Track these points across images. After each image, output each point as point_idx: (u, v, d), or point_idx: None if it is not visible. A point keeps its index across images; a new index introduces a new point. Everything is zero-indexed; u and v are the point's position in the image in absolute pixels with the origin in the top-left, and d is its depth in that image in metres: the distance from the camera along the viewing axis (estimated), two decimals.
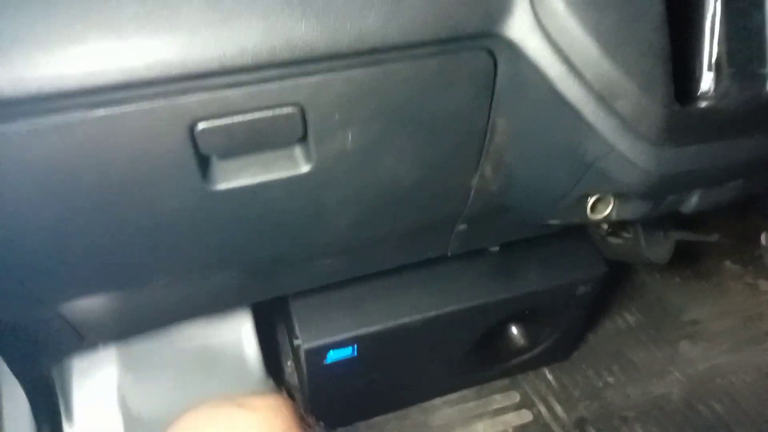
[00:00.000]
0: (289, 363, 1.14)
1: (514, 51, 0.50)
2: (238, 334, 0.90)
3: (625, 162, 0.54)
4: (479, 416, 1.14)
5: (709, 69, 0.56)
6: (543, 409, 1.15)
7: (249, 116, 0.47)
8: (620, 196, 0.63)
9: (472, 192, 0.64)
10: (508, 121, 0.56)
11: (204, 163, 0.50)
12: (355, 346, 0.88)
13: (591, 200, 0.64)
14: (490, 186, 0.64)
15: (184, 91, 0.45)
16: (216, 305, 0.76)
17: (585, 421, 1.14)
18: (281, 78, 0.47)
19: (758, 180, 0.66)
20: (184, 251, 0.57)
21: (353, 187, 0.57)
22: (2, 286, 0.55)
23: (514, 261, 0.98)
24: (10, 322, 0.62)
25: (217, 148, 0.49)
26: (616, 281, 1.34)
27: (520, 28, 0.50)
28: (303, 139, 0.51)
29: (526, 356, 1.15)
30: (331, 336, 0.86)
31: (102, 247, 0.53)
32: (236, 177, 0.52)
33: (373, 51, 0.47)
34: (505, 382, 1.19)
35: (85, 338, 0.68)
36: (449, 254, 0.80)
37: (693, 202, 0.65)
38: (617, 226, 0.95)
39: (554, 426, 1.13)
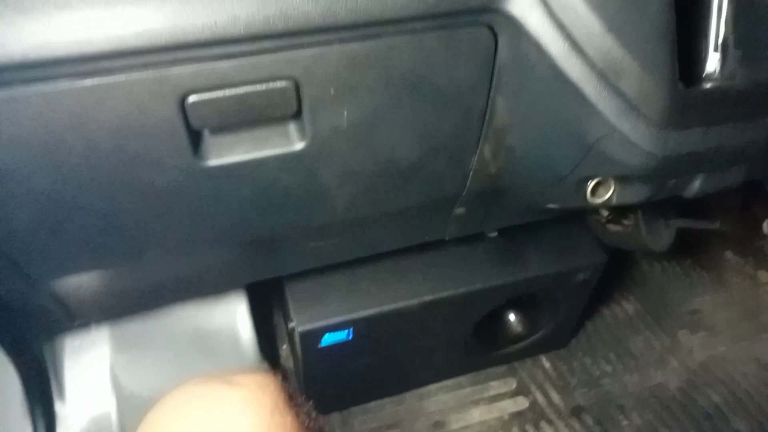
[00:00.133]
0: (284, 347, 1.13)
1: (516, 27, 0.49)
2: (233, 316, 0.89)
3: (627, 143, 0.53)
4: (475, 402, 1.13)
5: (716, 50, 0.54)
6: (539, 397, 1.15)
7: (241, 90, 0.46)
8: (621, 180, 0.62)
9: (471, 173, 0.63)
10: (508, 100, 0.55)
11: (195, 138, 0.49)
12: (351, 329, 0.88)
13: (591, 184, 0.62)
14: (489, 167, 0.63)
15: (175, 62, 0.43)
16: (209, 286, 0.76)
17: (582, 409, 1.13)
18: (275, 50, 0.45)
19: (762, 165, 0.65)
20: (176, 227, 0.56)
21: (348, 166, 0.56)
22: None
23: (512, 247, 0.97)
24: (2, 298, 0.62)
25: (208, 123, 0.48)
26: (615, 270, 1.33)
27: (521, 4, 0.48)
28: (297, 114, 0.50)
29: (523, 343, 1.14)
30: (326, 319, 0.86)
31: (92, 222, 0.52)
32: (228, 153, 0.51)
33: (370, 24, 0.46)
34: (502, 369, 1.18)
35: (77, 317, 0.68)
36: (447, 239, 0.79)
37: (695, 186, 0.63)
38: (618, 212, 0.93)
39: (550, 413, 1.13)
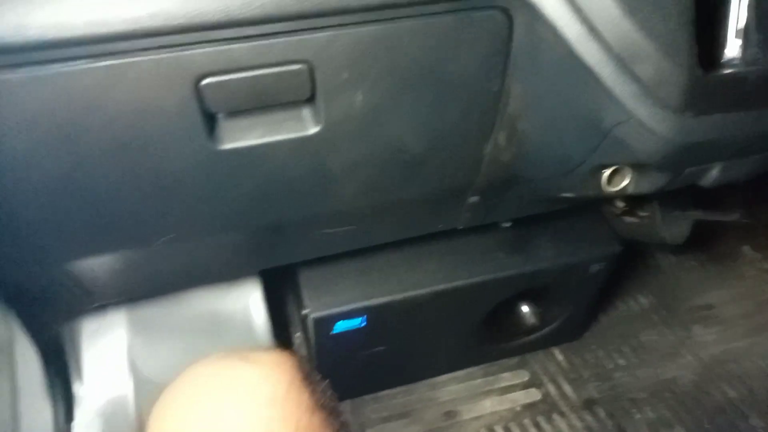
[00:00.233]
0: (297, 335, 1.14)
1: (531, 10, 0.48)
2: (247, 302, 0.90)
3: (643, 130, 0.52)
4: (486, 393, 1.13)
5: (737, 35, 0.53)
6: (552, 389, 1.14)
7: (256, 72, 0.46)
8: (638, 168, 0.61)
9: (485, 161, 0.62)
10: (523, 85, 0.54)
11: (210, 121, 0.49)
12: (364, 317, 0.88)
13: (607, 172, 0.62)
14: (504, 155, 0.62)
15: (189, 44, 0.44)
16: (221, 272, 0.76)
17: (594, 402, 1.13)
18: (289, 33, 0.45)
19: None
20: (190, 210, 0.56)
21: (362, 151, 0.56)
22: (10, 244, 0.55)
23: (526, 237, 0.96)
24: (20, 280, 0.63)
25: (222, 105, 0.48)
26: (630, 262, 1.32)
27: None
28: (311, 98, 0.50)
29: (536, 335, 1.14)
30: (339, 306, 0.86)
31: (107, 204, 0.52)
32: (243, 137, 0.51)
33: (384, 6, 0.46)
34: (514, 360, 1.18)
35: (94, 298, 0.69)
36: (460, 227, 0.79)
37: (713, 175, 0.62)
38: (634, 203, 0.92)
39: (562, 405, 1.12)
